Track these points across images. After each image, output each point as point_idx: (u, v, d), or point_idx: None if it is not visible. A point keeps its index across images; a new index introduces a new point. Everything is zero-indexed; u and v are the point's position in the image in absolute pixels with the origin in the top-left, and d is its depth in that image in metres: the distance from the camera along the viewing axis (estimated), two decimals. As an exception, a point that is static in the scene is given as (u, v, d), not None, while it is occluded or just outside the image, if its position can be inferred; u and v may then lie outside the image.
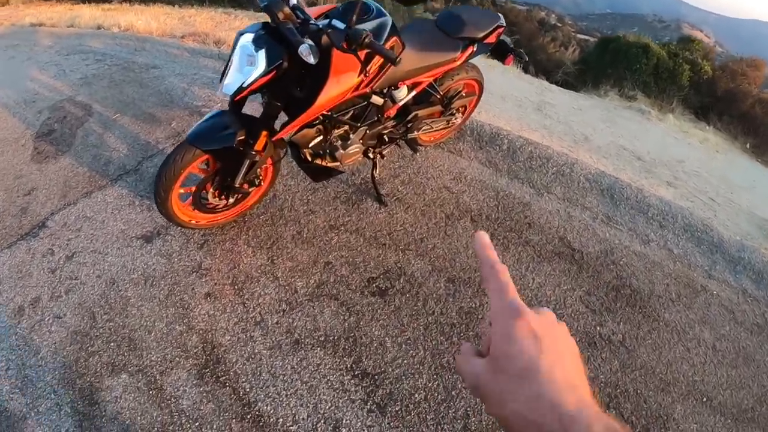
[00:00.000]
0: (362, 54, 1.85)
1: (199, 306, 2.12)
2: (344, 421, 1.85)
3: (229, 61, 1.93)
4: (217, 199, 2.27)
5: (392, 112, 2.45)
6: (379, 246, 2.48)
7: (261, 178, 2.33)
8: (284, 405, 1.87)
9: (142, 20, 4.83)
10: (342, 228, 2.52)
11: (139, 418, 1.82)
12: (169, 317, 2.08)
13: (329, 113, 2.14)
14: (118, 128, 3.00)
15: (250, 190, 2.33)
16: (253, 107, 2.17)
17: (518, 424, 0.44)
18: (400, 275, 2.37)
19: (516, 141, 3.32)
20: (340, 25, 1.90)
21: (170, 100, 3.26)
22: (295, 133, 2.15)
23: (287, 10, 1.83)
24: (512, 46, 2.78)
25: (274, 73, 1.86)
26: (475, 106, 3.07)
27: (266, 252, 2.35)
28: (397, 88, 2.37)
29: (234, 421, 1.82)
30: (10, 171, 2.77)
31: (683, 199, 3.24)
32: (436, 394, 1.96)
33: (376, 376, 1.99)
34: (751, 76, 14.86)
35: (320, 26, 1.87)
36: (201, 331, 2.04)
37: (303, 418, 1.85)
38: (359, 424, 1.85)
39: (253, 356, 1.99)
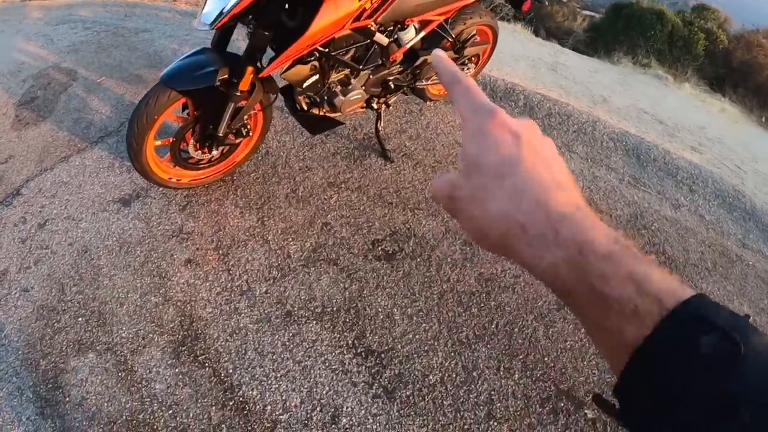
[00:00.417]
0: None
1: (178, 274, 1.76)
2: (344, 409, 1.47)
3: None
4: (199, 152, 1.89)
5: (398, 55, 2.02)
6: (385, 205, 2.06)
7: (249, 127, 1.94)
8: (273, 389, 1.50)
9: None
10: (342, 185, 2.11)
11: (105, 404, 1.48)
12: (144, 287, 1.72)
13: (326, 50, 1.73)
14: (102, 91, 2.65)
15: (237, 141, 1.94)
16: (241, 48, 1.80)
17: (499, 232, 0.34)
18: (410, 237, 1.95)
19: (533, 97, 2.83)
20: None
21: (159, 61, 2.88)
22: (287, 70, 1.75)
23: None
24: None
25: None
26: (488, 56, 2.59)
27: (256, 213, 1.97)
28: (404, 27, 1.95)
29: (214, 408, 1.47)
30: (-10, 140, 2.47)
31: (710, 165, 2.76)
32: (453, 375, 1.56)
33: (382, 355, 1.60)
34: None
35: None
36: (179, 303, 1.68)
37: (295, 405, 1.48)
38: (363, 412, 1.47)
39: (237, 331, 1.62)
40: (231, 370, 1.54)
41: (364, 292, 1.76)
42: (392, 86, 2.13)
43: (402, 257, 1.88)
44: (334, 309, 1.70)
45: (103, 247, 1.85)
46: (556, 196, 0.34)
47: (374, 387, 1.53)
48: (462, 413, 1.50)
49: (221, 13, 1.52)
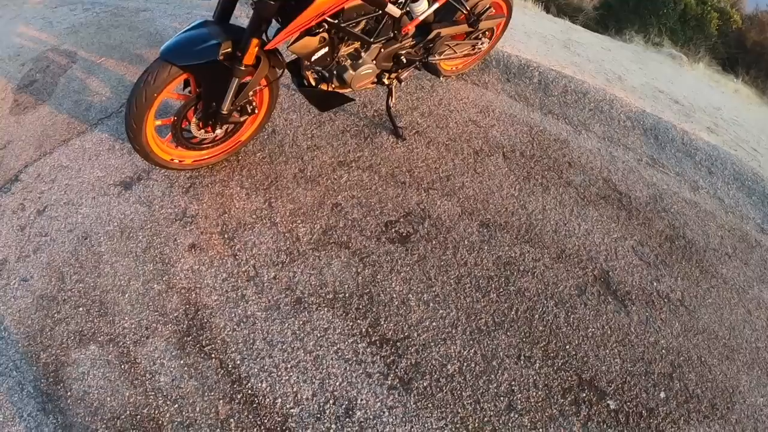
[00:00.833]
0: None
1: (182, 260, 1.60)
2: (359, 401, 1.33)
3: None
4: (202, 131, 1.71)
5: (410, 28, 1.82)
6: (398, 185, 1.88)
7: (255, 104, 1.75)
8: (283, 381, 1.36)
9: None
10: (353, 164, 1.92)
11: (108, 398, 1.35)
12: (147, 275, 1.57)
13: (336, 21, 1.53)
14: (102, 72, 2.45)
15: (242, 119, 1.75)
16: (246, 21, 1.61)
17: None
18: (424, 218, 1.78)
19: (548, 74, 2.59)
20: None
21: (160, 40, 2.66)
22: (294, 42, 1.55)
23: None
24: None
25: None
26: (502, 31, 2.36)
27: (263, 194, 1.79)
28: None
29: (221, 402, 1.33)
30: (-13, 127, 2.30)
31: (727, 147, 2.55)
32: (473, 365, 1.41)
33: (398, 343, 1.45)
34: (782, 28, 13.04)
35: None
36: (183, 291, 1.53)
37: (307, 398, 1.34)
38: (378, 404, 1.33)
39: (244, 320, 1.47)
40: (239, 362, 1.39)
41: (378, 276, 1.60)
42: (404, 61, 1.92)
43: (417, 240, 1.71)
44: (347, 295, 1.55)
45: (104, 233, 1.69)
46: None
47: (390, 378, 1.38)
48: (482, 405, 1.36)
49: None
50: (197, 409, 1.32)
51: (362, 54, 1.77)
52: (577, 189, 2.04)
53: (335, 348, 1.43)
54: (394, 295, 1.56)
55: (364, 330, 1.47)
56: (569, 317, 1.60)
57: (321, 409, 1.32)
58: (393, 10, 1.67)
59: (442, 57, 2.07)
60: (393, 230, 1.73)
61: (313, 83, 1.78)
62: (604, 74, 3.10)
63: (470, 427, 1.33)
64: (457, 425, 1.33)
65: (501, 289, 1.62)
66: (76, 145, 2.03)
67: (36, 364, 1.43)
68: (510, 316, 1.56)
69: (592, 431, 1.38)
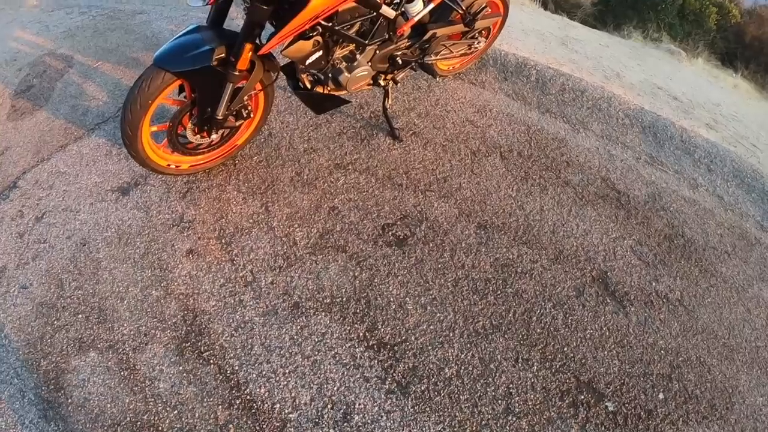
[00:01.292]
0: None
1: (180, 266, 1.61)
2: (357, 406, 1.34)
3: None
4: (198, 136, 1.71)
5: (406, 29, 1.81)
6: (395, 187, 1.88)
7: (250, 108, 1.75)
8: (281, 386, 1.37)
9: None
10: (349, 167, 1.92)
11: (108, 405, 1.36)
12: (145, 281, 1.58)
13: (330, 24, 1.52)
14: (99, 76, 2.45)
15: (238, 123, 1.76)
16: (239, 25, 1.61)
17: None
18: (421, 221, 1.78)
19: (545, 72, 2.58)
20: None
21: (156, 43, 2.66)
22: (288, 47, 1.55)
23: None
24: None
25: None
26: (499, 29, 2.34)
27: (259, 198, 1.79)
28: None
29: (220, 407, 1.34)
30: (-15, 133, 2.31)
31: (726, 143, 2.53)
32: (470, 368, 1.42)
33: (395, 347, 1.46)
34: (781, 23, 12.87)
35: None
36: (181, 296, 1.54)
37: (305, 403, 1.34)
38: (376, 408, 1.34)
39: (242, 325, 1.48)
40: (237, 367, 1.40)
41: (375, 280, 1.60)
42: (400, 62, 1.91)
43: (414, 242, 1.71)
44: (344, 299, 1.55)
45: (102, 240, 1.70)
46: None
47: (387, 382, 1.39)
48: (479, 408, 1.36)
49: None
50: (196, 415, 1.33)
51: (357, 56, 1.76)
52: (576, 188, 2.03)
53: (333, 352, 1.44)
54: (392, 299, 1.56)
55: (361, 334, 1.48)
56: (567, 319, 1.60)
57: (319, 413, 1.33)
58: (388, 11, 1.66)
59: (438, 57, 2.06)
60: (390, 233, 1.73)
61: (309, 86, 1.77)
62: (602, 71, 3.08)
63: (468, 430, 1.34)
64: (455, 429, 1.34)
65: (498, 292, 1.62)
66: (73, 151, 2.04)
67: (37, 371, 1.44)
68: (508, 318, 1.56)
69: (589, 433, 1.38)
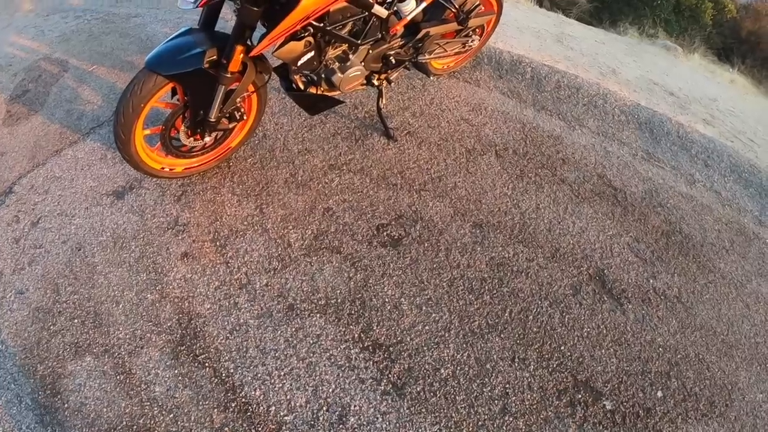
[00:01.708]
0: None
1: (175, 269, 1.61)
2: (352, 407, 1.34)
3: None
4: (191, 139, 1.71)
5: (399, 28, 1.81)
6: (389, 187, 1.88)
7: (243, 110, 1.75)
8: (277, 389, 1.37)
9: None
10: (344, 168, 1.92)
11: (105, 409, 1.36)
12: (140, 284, 1.58)
13: (321, 25, 1.52)
14: (94, 80, 2.45)
15: (231, 126, 1.75)
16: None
17: None
18: (416, 221, 1.78)
19: (540, 69, 2.57)
20: None
21: (151, 46, 2.64)
22: (279, 48, 1.54)
23: None
24: None
25: None
26: (493, 27, 2.33)
27: (254, 200, 1.79)
28: None
29: (216, 411, 1.34)
30: (-19, 139, 2.31)
31: (723, 139, 2.52)
32: (466, 369, 1.41)
33: (390, 348, 1.45)
34: (777, 17, 12.78)
35: None
36: (176, 300, 1.54)
37: (300, 405, 1.34)
38: (371, 410, 1.33)
39: (237, 328, 1.48)
40: (232, 370, 1.40)
41: (370, 281, 1.60)
42: (393, 61, 1.91)
43: (408, 242, 1.71)
44: (339, 300, 1.55)
45: (97, 244, 1.70)
46: None
47: (383, 383, 1.38)
48: (476, 408, 1.36)
49: None
50: (192, 419, 1.33)
51: (350, 56, 1.76)
52: (572, 186, 2.03)
53: (328, 354, 1.44)
54: (387, 300, 1.56)
55: (356, 335, 1.48)
56: (564, 317, 1.59)
57: (315, 416, 1.33)
58: (380, 10, 1.65)
59: (432, 56, 2.06)
60: (385, 233, 1.73)
61: (302, 87, 1.76)
62: (597, 68, 3.07)
63: (464, 431, 1.33)
64: (452, 430, 1.33)
65: (494, 291, 1.61)
66: (68, 156, 2.04)
67: (33, 376, 1.45)
68: (504, 317, 1.56)
69: (587, 432, 1.38)
